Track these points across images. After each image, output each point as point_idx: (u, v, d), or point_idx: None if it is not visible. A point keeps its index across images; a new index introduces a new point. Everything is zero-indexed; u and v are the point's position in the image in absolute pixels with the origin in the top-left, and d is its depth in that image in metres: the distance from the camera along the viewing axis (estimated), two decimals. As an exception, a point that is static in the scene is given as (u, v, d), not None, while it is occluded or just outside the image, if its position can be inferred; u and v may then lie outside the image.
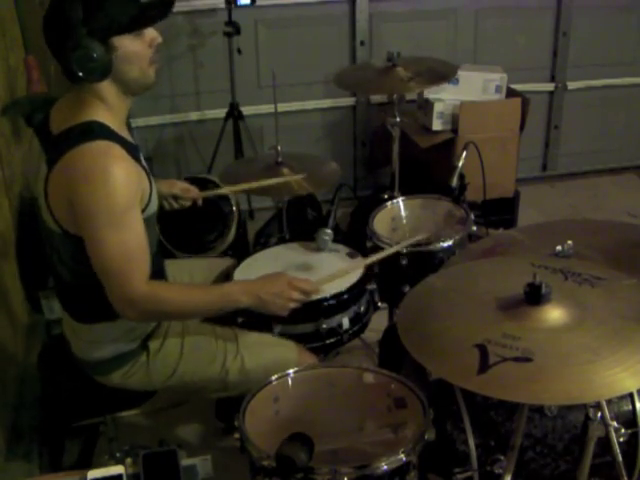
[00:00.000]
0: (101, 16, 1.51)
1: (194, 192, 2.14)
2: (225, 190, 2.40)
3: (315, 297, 1.83)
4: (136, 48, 1.58)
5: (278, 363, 1.73)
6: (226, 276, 2.08)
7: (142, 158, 1.69)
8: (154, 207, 1.70)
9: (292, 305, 1.73)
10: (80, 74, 1.50)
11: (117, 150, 1.56)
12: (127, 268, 1.57)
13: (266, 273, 1.79)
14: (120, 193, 1.53)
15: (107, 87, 1.60)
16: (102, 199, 1.53)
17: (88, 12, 1.49)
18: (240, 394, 1.59)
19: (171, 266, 2.01)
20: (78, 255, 1.62)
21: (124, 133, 1.65)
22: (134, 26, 1.57)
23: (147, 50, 1.61)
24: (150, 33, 1.60)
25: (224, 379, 1.81)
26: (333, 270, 1.94)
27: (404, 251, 2.14)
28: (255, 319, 1.89)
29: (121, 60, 1.56)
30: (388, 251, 2.07)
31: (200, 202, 2.16)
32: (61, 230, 1.60)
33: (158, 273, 1.75)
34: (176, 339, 1.82)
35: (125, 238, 1.56)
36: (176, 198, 2.10)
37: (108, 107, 1.61)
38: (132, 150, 1.62)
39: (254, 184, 2.28)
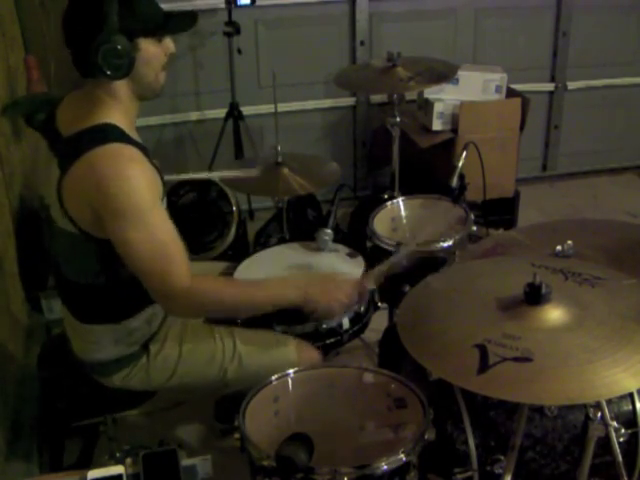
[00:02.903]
0: (133, 15, 1.54)
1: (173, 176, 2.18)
2: (201, 175, 2.43)
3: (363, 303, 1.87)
4: (156, 53, 1.62)
5: (277, 359, 1.73)
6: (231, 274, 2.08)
7: (152, 160, 1.69)
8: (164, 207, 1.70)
9: (339, 308, 1.73)
10: (106, 69, 1.50)
11: (132, 152, 1.56)
12: (165, 265, 1.56)
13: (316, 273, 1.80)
14: (142, 192, 1.54)
15: (123, 87, 1.61)
16: (126, 201, 1.53)
17: (122, 9, 1.51)
18: (240, 390, 1.59)
19: None
20: (94, 257, 1.62)
21: (134, 135, 1.65)
22: (161, 31, 1.61)
23: (163, 57, 1.64)
24: (168, 42, 1.64)
25: (223, 378, 1.81)
26: (334, 270, 1.94)
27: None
28: (255, 319, 1.89)
29: (141, 62, 1.58)
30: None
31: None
32: (79, 232, 1.59)
33: None
34: (175, 341, 1.82)
35: (156, 236, 1.56)
36: None
37: (122, 107, 1.62)
38: (144, 151, 1.62)
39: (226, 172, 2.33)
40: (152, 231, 1.55)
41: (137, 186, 1.53)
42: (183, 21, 1.67)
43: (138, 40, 1.57)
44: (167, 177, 2.38)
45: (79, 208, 1.57)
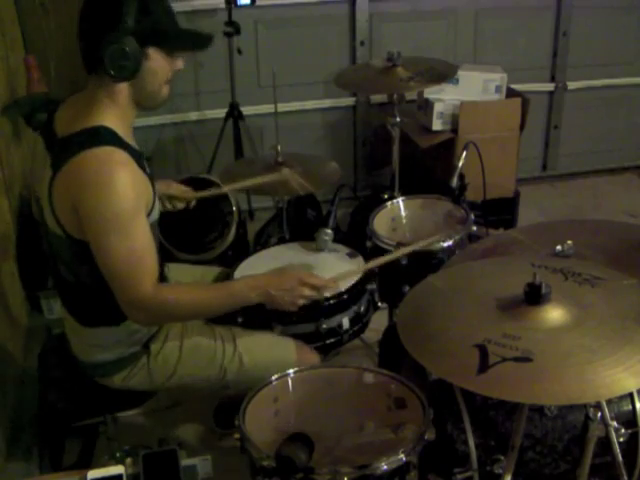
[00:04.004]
0: (149, 22, 1.54)
1: (190, 193, 2.14)
2: (220, 190, 2.40)
3: (326, 294, 1.83)
4: (163, 65, 1.62)
5: (277, 361, 1.73)
6: (225, 278, 2.08)
7: (146, 166, 1.69)
8: (156, 215, 1.70)
9: (301, 301, 1.73)
10: (110, 69, 1.51)
11: (122, 156, 1.56)
12: (135, 272, 1.57)
13: (274, 268, 1.78)
14: (126, 199, 1.53)
15: (124, 91, 1.61)
16: (108, 205, 1.52)
17: (139, 14, 1.52)
18: (241, 392, 1.59)
19: (172, 271, 2.01)
20: (81, 259, 1.62)
21: (130, 140, 1.65)
22: (173, 44, 1.61)
23: (169, 71, 1.64)
24: (179, 60, 1.65)
25: (223, 379, 1.81)
26: (334, 270, 1.94)
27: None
28: (255, 319, 1.89)
29: (148, 70, 1.58)
30: (393, 255, 2.04)
31: (193, 204, 2.15)
32: (65, 234, 1.60)
33: (159, 278, 1.74)
34: (175, 341, 1.82)
35: (132, 243, 1.56)
36: (170, 199, 2.09)
37: (119, 111, 1.62)
38: (137, 157, 1.62)
39: (249, 181, 2.28)
40: (130, 238, 1.55)
41: (121, 191, 1.53)
42: (196, 40, 1.67)
43: (149, 48, 1.57)
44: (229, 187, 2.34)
45: (65, 210, 1.58)
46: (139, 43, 1.52)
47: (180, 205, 2.12)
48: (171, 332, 1.84)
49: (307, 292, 1.73)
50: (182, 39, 1.64)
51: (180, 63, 1.65)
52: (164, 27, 1.58)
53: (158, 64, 1.60)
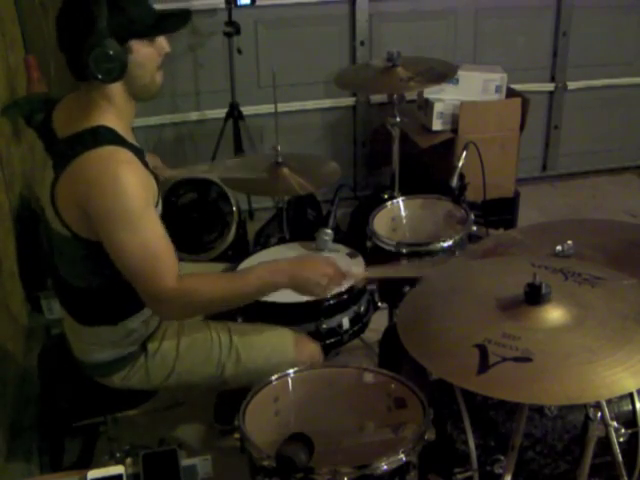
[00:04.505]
0: (123, 17, 1.53)
1: (167, 172, 2.19)
2: (203, 169, 2.42)
3: (351, 281, 1.83)
4: (149, 54, 1.61)
5: (275, 352, 1.72)
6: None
7: (148, 162, 1.69)
8: (160, 209, 1.70)
9: (325, 281, 1.69)
10: (97, 73, 1.50)
11: (125, 154, 1.56)
12: (155, 267, 1.56)
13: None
14: (134, 196, 1.53)
15: (117, 89, 1.60)
16: (116, 204, 1.52)
17: (112, 12, 1.51)
18: (241, 386, 1.58)
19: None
20: (87, 258, 1.62)
21: (130, 137, 1.65)
22: (153, 32, 1.60)
23: (157, 57, 1.63)
24: (162, 41, 1.63)
25: (221, 374, 1.81)
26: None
27: (404, 251, 2.15)
28: (255, 319, 1.89)
29: (135, 64, 1.58)
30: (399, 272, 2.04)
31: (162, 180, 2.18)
32: (71, 234, 1.60)
33: None
34: (172, 339, 1.82)
35: (147, 239, 1.56)
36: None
37: (116, 110, 1.61)
38: (138, 154, 1.62)
39: (239, 173, 2.32)
40: (142, 234, 1.55)
41: (129, 188, 1.52)
42: (175, 21, 1.65)
43: (130, 42, 1.56)
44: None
45: (71, 210, 1.57)
46: (119, 41, 1.51)
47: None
48: (168, 331, 1.84)
49: (330, 270, 1.69)
50: (160, 24, 1.61)
51: (165, 45, 1.64)
52: (139, 18, 1.56)
53: (144, 55, 1.60)
